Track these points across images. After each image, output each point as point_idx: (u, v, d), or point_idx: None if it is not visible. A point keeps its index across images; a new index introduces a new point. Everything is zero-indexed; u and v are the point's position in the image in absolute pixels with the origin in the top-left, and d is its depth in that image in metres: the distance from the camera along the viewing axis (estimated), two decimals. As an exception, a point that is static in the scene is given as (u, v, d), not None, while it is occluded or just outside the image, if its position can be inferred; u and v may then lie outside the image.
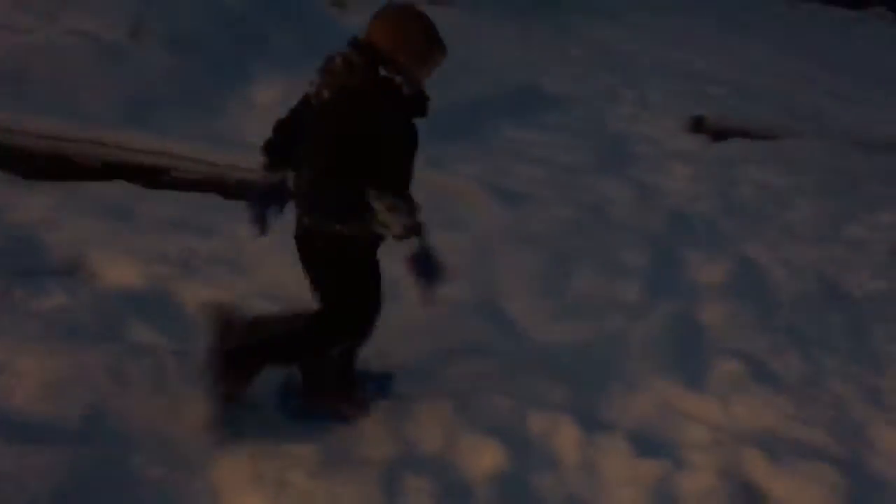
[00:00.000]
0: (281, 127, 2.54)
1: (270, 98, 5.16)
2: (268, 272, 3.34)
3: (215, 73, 5.37)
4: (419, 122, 2.37)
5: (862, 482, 2.70)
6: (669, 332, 3.46)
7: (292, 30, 6.16)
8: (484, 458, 2.57)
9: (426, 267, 2.39)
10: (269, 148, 2.54)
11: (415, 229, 2.34)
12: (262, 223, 2.54)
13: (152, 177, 4.27)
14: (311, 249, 2.49)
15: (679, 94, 7.66)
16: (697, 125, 6.67)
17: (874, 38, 12.40)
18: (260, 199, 2.55)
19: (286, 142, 2.52)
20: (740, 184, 5.49)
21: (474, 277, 3.55)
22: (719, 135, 6.57)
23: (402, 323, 2.88)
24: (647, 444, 2.72)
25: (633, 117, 6.92)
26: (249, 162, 4.19)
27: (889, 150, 6.89)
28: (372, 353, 2.79)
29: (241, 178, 4.28)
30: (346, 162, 2.31)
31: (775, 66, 10.02)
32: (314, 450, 2.47)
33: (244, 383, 2.55)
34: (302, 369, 2.71)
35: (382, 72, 2.33)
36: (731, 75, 8.94)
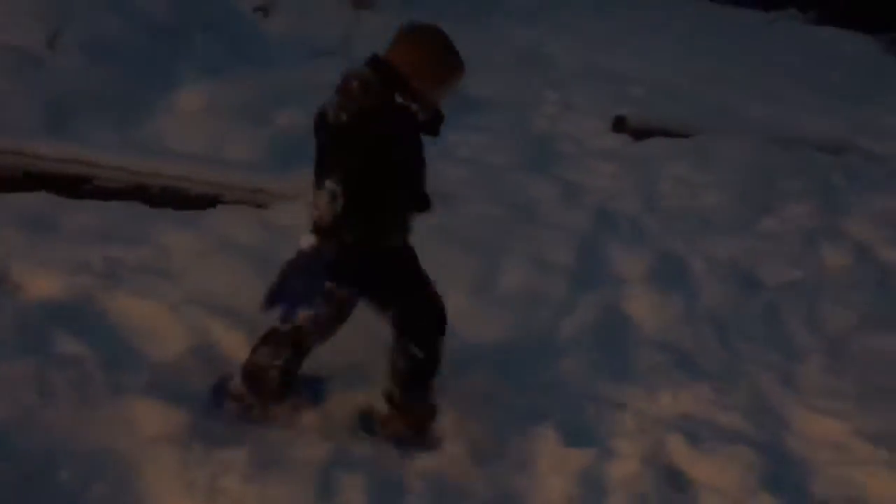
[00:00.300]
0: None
1: (194, 104, 5.12)
2: (196, 280, 3.31)
3: (137, 79, 5.29)
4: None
5: (777, 461, 2.85)
6: (596, 325, 3.57)
7: (216, 35, 6.11)
8: (417, 456, 2.62)
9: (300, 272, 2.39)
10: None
11: (316, 225, 2.33)
12: None
13: (74, 186, 4.19)
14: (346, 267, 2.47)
15: (601, 95, 7.83)
16: (619, 125, 6.84)
17: (787, 38, 12.86)
18: None
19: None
20: (660, 180, 5.65)
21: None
22: (640, 133, 6.76)
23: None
24: (575, 434, 2.81)
25: (558, 118, 7.06)
26: (174, 169, 4.20)
27: (801, 144, 7.19)
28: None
29: (165, 186, 4.26)
30: (358, 181, 2.33)
31: (693, 66, 10.32)
32: (246, 453, 2.47)
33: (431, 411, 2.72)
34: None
35: (398, 98, 2.37)
36: (652, 76, 9.18)
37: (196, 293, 3.21)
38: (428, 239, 3.97)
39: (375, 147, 2.34)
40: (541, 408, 2.94)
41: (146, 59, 5.46)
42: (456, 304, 3.49)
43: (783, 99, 9.30)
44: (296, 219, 3.98)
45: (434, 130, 2.47)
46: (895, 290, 4.36)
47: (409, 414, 2.69)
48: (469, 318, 3.41)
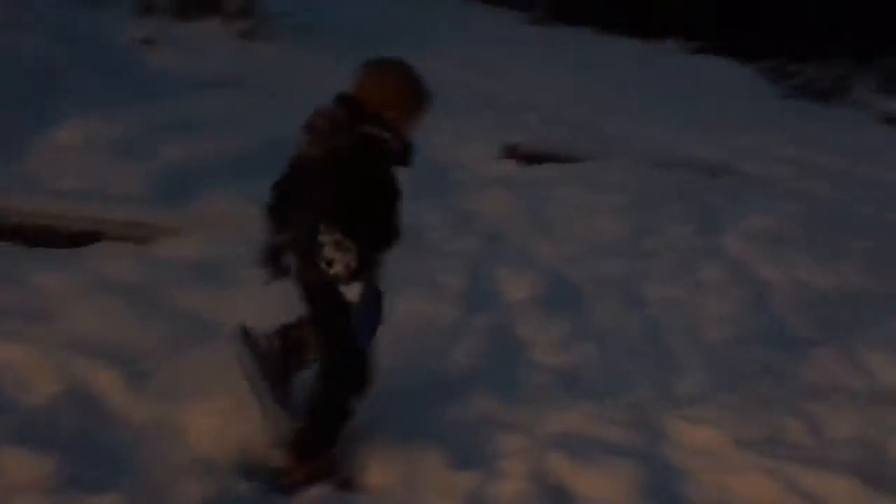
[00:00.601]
0: (277, 189, 2.60)
1: (75, 139, 4.98)
2: (70, 320, 3.20)
3: (14, 115, 5.10)
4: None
5: (657, 471, 2.93)
6: (486, 349, 3.62)
7: (98, 69, 5.96)
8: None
9: (370, 306, 2.49)
10: (272, 211, 2.61)
11: (353, 273, 2.38)
12: (274, 278, 2.65)
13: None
14: (312, 294, 2.56)
15: (495, 123, 8.01)
16: (512, 152, 7.01)
17: (669, 67, 13.48)
18: (267, 262, 2.65)
19: (285, 202, 2.57)
20: (550, 205, 5.81)
21: (294, 310, 3.56)
22: (532, 160, 6.94)
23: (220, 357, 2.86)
24: (462, 457, 2.83)
25: (452, 146, 7.16)
26: (51, 207, 4.06)
27: (683, 168, 7.54)
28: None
29: (41, 224, 4.11)
30: (331, 217, 2.37)
31: (584, 95, 10.70)
32: (122, 498, 2.39)
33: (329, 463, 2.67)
34: None
35: (367, 129, 2.39)
36: (545, 104, 9.47)
37: (70, 334, 3.10)
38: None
39: (351, 182, 2.38)
40: (429, 431, 2.95)
41: (23, 94, 5.28)
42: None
43: (667, 125, 9.72)
44: (179, 252, 3.93)
45: (406, 161, 2.51)
46: (768, 304, 4.59)
47: (308, 463, 2.64)
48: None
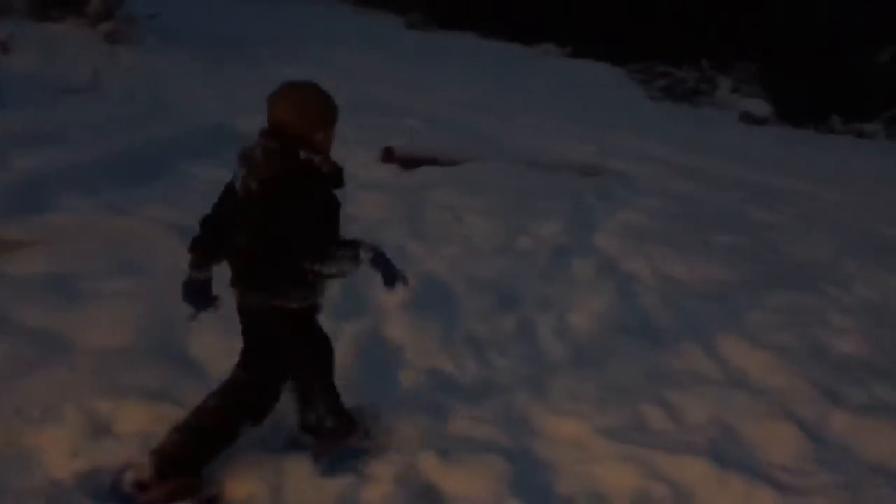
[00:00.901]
0: (207, 223, 2.65)
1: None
2: None
3: None
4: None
5: (526, 466, 3.01)
6: (357, 354, 3.60)
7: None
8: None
9: (385, 268, 2.69)
10: (199, 245, 2.66)
11: (355, 260, 2.60)
12: (195, 317, 2.71)
13: None
14: (254, 323, 2.67)
15: (374, 128, 7.99)
16: (389, 156, 7.02)
17: (545, 71, 13.84)
18: (192, 297, 2.69)
19: (216, 236, 2.63)
20: (426, 207, 5.85)
21: (157, 321, 3.45)
22: (409, 163, 6.97)
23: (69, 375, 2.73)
24: (330, 463, 2.81)
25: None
26: None
27: (557, 168, 7.74)
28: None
29: None
30: (282, 244, 2.46)
31: (463, 98, 10.83)
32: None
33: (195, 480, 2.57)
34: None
35: (302, 154, 2.48)
36: (424, 108, 9.53)
37: None
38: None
39: (290, 209, 2.44)
40: (297, 439, 2.92)
41: None
42: (211, 343, 3.44)
43: (542, 127, 9.97)
44: (29, 267, 3.73)
45: (340, 181, 2.59)
46: (634, 298, 4.77)
47: (173, 480, 2.54)
48: (225, 360, 3.33)
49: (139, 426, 2.78)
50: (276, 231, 2.47)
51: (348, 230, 5.16)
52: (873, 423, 3.47)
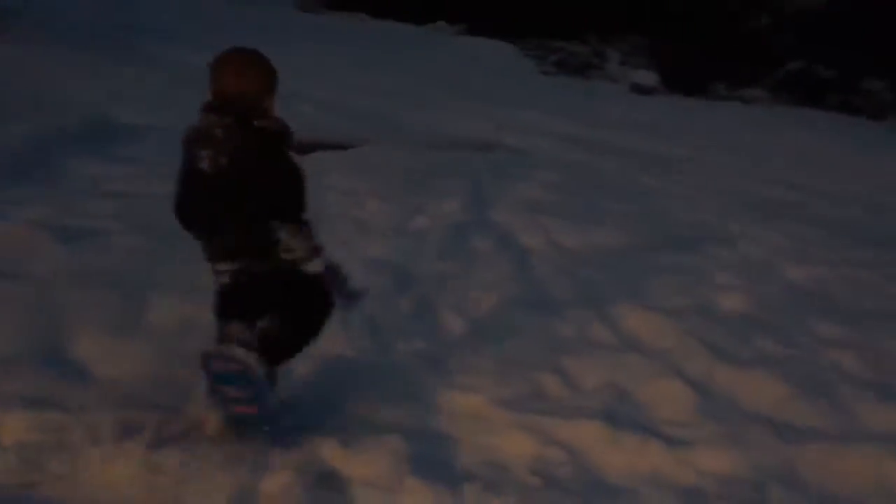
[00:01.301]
0: (182, 208, 2.71)
1: None
2: None
3: None
4: None
5: (425, 442, 3.02)
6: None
7: None
8: None
9: (336, 280, 2.77)
10: (191, 229, 2.77)
11: (316, 251, 2.67)
12: None
13: None
14: (242, 289, 2.72)
15: (266, 114, 7.84)
16: (282, 142, 6.89)
17: (438, 49, 13.87)
18: None
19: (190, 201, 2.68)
20: (324, 192, 5.78)
21: (35, 327, 3.31)
22: (305, 149, 6.83)
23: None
24: (228, 454, 2.77)
25: (219, 140, 6.94)
26: None
27: (454, 146, 7.80)
28: None
29: None
30: (260, 212, 2.58)
31: (357, 81, 10.75)
32: None
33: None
34: None
35: (258, 123, 2.55)
36: (316, 92, 9.40)
37: None
38: (61, 283, 3.74)
39: (259, 176, 2.55)
40: (191, 434, 2.86)
41: None
42: (98, 343, 3.33)
43: (438, 106, 10.00)
44: None
45: (290, 141, 2.67)
46: (531, 270, 4.86)
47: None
48: (111, 362, 3.24)
49: (19, 436, 2.67)
50: (253, 200, 2.57)
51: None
52: (755, 375, 3.65)
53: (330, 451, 2.87)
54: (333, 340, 3.72)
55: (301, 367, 3.47)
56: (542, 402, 3.35)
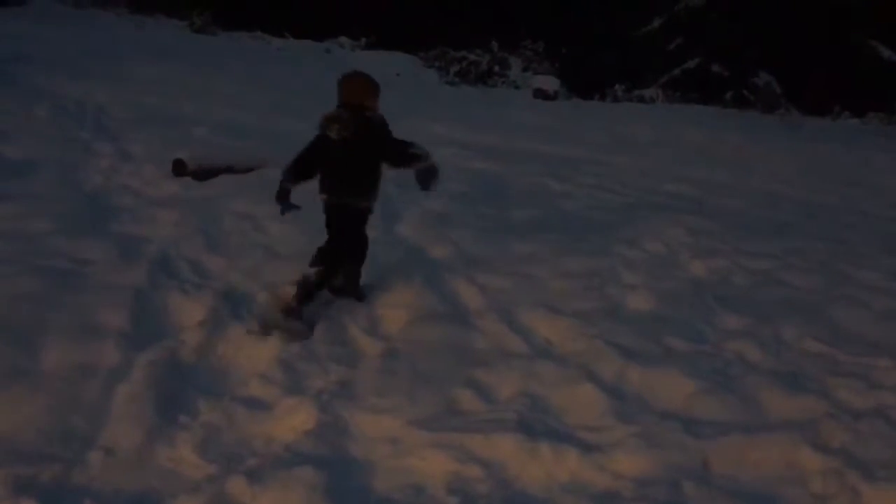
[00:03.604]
0: (298, 159, 4.33)
1: None
2: None
3: None
4: None
5: (340, 470, 2.96)
6: (153, 383, 3.40)
7: None
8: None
9: (428, 174, 4.22)
10: (291, 171, 4.30)
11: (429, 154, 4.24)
12: (287, 211, 4.34)
13: None
14: (339, 217, 4.34)
15: (162, 141, 7.60)
16: (179, 169, 6.69)
17: (344, 62, 13.74)
18: (281, 200, 4.32)
19: (304, 168, 4.30)
20: (223, 218, 5.64)
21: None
22: (203, 175, 6.68)
23: None
24: (137, 494, 2.64)
25: (113, 171, 6.69)
26: None
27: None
28: None
29: None
30: (372, 168, 4.27)
31: (255, 101, 10.55)
32: None
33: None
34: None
35: (367, 114, 4.20)
36: (214, 115, 9.18)
37: None
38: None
39: (372, 143, 4.16)
40: (92, 486, 2.71)
41: None
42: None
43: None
44: None
45: (387, 125, 4.23)
46: (440, 283, 4.83)
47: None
48: (1, 409, 3.06)
49: None
50: (364, 162, 4.21)
51: (138, 251, 4.94)
52: (665, 373, 3.70)
53: (237, 488, 2.77)
54: (242, 373, 3.63)
55: (204, 406, 3.36)
56: (458, 418, 3.32)
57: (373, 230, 5.82)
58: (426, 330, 4.13)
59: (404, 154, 4.15)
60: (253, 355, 3.81)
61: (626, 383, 3.65)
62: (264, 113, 9.79)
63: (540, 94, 14.17)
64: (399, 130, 11.17)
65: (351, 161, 4.16)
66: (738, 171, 10.06)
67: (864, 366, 3.88)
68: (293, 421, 3.27)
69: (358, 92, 4.23)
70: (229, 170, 6.89)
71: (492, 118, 11.48)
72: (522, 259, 5.35)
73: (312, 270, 4.22)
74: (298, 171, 4.26)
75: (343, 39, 15.31)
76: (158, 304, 4.18)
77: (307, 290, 4.15)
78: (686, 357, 3.93)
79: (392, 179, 7.38)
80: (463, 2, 16.81)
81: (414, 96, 12.61)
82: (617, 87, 15.66)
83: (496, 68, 15.17)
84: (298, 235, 5.45)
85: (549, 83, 14.81)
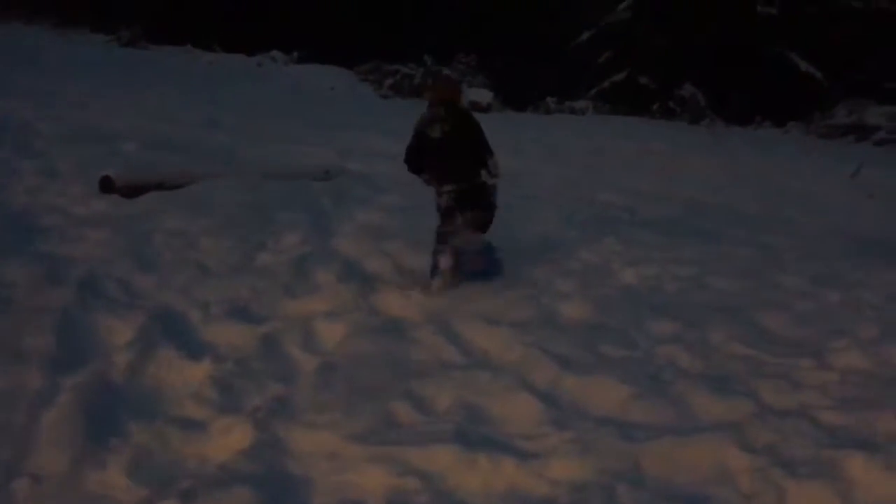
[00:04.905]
0: (411, 151, 5.01)
1: None
2: None
3: None
4: None
5: (278, 489, 2.93)
6: (81, 407, 3.31)
7: None
8: None
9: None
10: (411, 165, 5.03)
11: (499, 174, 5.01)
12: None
13: None
14: (466, 198, 4.96)
15: (89, 158, 7.41)
16: (107, 186, 6.54)
17: (273, 79, 13.66)
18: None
19: (418, 158, 4.99)
20: (154, 236, 5.53)
21: None
22: (132, 192, 6.54)
23: None
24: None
25: (38, 189, 6.49)
26: None
27: (294, 176, 7.66)
28: None
29: None
30: (472, 152, 4.91)
31: (188, 115, 10.40)
32: None
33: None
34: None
35: (461, 109, 5.09)
36: (144, 130, 9.01)
37: None
38: None
39: (469, 135, 4.89)
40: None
41: None
42: None
43: (276, 136, 9.83)
44: None
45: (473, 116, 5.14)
46: (376, 295, 4.83)
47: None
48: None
49: None
50: (468, 147, 4.88)
51: (66, 272, 4.81)
52: (599, 380, 3.77)
53: (175, 513, 2.72)
54: (176, 393, 3.57)
55: (136, 430, 3.28)
56: (395, 431, 3.33)
57: (307, 244, 5.84)
58: (363, 343, 4.13)
59: (481, 159, 4.89)
60: (186, 374, 3.75)
61: (562, 391, 3.71)
62: (195, 128, 9.66)
63: (474, 106, 14.30)
64: (335, 144, 11.08)
65: (455, 150, 4.84)
66: (666, 180, 10.32)
67: (787, 366, 4.02)
68: (228, 440, 3.23)
69: (448, 90, 5.09)
70: (160, 186, 6.76)
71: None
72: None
73: (447, 258, 4.96)
74: (420, 166, 4.97)
75: (275, 53, 15.19)
76: (87, 325, 4.07)
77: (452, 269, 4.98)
78: (619, 363, 4.01)
79: (327, 193, 7.45)
80: (396, 15, 16.86)
81: (349, 110, 12.59)
82: (549, 99, 15.90)
83: (430, 81, 15.25)
84: (232, 251, 5.40)
85: (483, 96, 14.97)
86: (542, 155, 11.12)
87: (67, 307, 4.21)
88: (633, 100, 16.10)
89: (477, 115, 5.35)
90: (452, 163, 4.84)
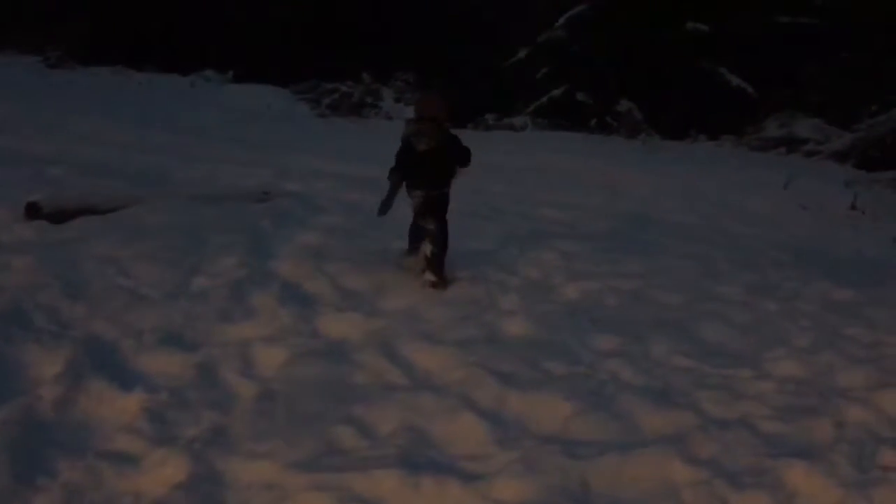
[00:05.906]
0: (398, 163, 5.33)
1: None
2: None
3: None
4: None
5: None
6: (6, 444, 3.14)
7: None
8: None
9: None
10: (397, 174, 5.31)
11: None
12: (387, 209, 5.29)
13: None
14: (431, 202, 5.36)
15: (14, 182, 7.15)
16: (33, 212, 6.30)
17: (207, 99, 13.44)
18: (387, 203, 5.30)
19: (402, 171, 5.30)
20: (84, 263, 5.33)
21: None
22: (59, 217, 6.31)
23: None
24: None
25: (-41, 216, 6.21)
26: None
27: (230, 198, 7.51)
28: None
29: None
30: (448, 166, 5.33)
31: (119, 137, 10.14)
32: None
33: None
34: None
35: (445, 127, 5.28)
36: (73, 153, 8.76)
37: None
38: None
39: (450, 151, 5.27)
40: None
41: None
42: None
43: (211, 157, 9.65)
44: None
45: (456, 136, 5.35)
46: (315, 318, 4.73)
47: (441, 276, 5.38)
48: None
49: None
50: (445, 162, 5.26)
51: None
52: (543, 397, 3.76)
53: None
54: (108, 427, 3.43)
55: (64, 467, 3.14)
56: (338, 458, 3.25)
57: (244, 267, 5.72)
58: (303, 368, 4.03)
59: (465, 157, 5.31)
60: (117, 407, 3.60)
61: (506, 409, 3.67)
62: (126, 150, 9.42)
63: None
64: (273, 164, 10.88)
65: (435, 163, 5.25)
66: (605, 194, 10.44)
67: (728, 377, 4.07)
68: (163, 474, 3.11)
69: (434, 107, 5.28)
70: (89, 211, 6.54)
71: (366, 150, 11.44)
72: (399, 289, 5.33)
73: (428, 247, 5.33)
74: (402, 174, 5.30)
75: (209, 73, 14.96)
76: (11, 358, 3.89)
77: (436, 259, 5.35)
78: (563, 379, 4.00)
79: (264, 214, 7.33)
80: (333, 33, 16.79)
81: (286, 129, 12.45)
82: (488, 115, 16.01)
83: (368, 100, 15.20)
84: (165, 276, 5.24)
85: (422, 113, 14.93)
86: (481, 171, 11.11)
87: (-10, 340, 4.02)
88: (570, 115, 16.30)
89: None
90: (429, 175, 5.27)
